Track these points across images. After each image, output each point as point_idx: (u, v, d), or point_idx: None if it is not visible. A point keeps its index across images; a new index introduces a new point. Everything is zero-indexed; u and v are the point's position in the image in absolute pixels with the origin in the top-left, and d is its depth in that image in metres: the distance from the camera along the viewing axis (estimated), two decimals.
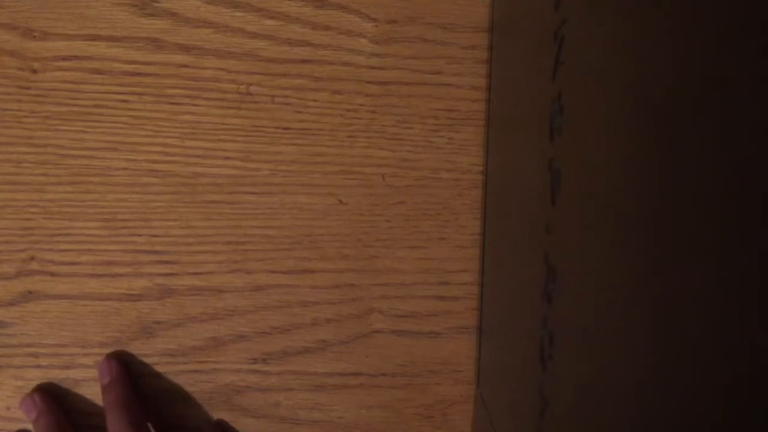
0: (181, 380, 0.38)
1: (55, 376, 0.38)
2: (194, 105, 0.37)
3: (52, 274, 0.37)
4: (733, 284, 0.13)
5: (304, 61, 0.37)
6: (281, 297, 0.38)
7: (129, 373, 0.37)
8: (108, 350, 0.38)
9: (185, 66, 0.37)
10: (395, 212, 0.38)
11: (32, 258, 0.37)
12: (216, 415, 0.39)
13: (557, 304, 0.24)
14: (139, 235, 0.37)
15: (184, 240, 0.38)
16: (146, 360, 0.38)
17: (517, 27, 0.32)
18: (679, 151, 0.16)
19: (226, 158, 0.37)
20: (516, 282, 0.31)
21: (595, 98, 0.21)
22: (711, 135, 0.14)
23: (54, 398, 0.37)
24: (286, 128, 0.38)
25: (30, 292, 0.37)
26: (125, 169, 0.37)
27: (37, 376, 0.38)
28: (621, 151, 0.19)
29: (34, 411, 0.36)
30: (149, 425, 0.37)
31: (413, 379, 0.39)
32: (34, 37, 0.36)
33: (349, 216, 0.38)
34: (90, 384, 0.38)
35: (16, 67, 0.36)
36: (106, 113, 0.37)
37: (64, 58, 0.36)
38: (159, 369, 0.38)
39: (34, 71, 0.36)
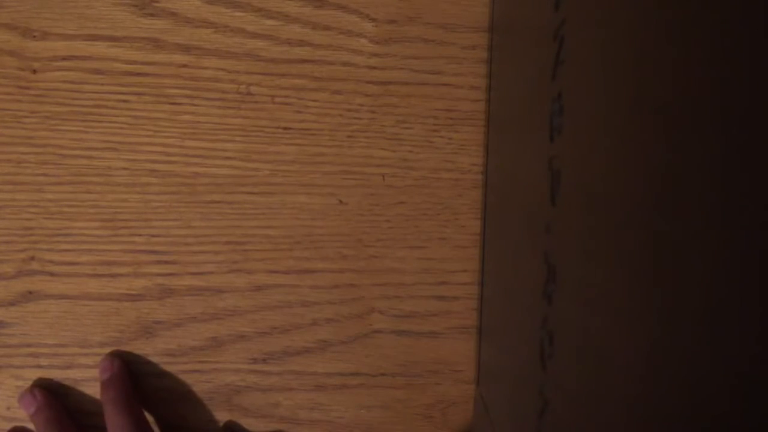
0: (181, 380, 0.38)
1: (55, 376, 0.38)
2: (194, 105, 0.37)
3: (52, 274, 0.37)
4: (734, 284, 0.13)
5: (304, 61, 0.37)
6: (281, 297, 0.38)
7: (129, 372, 0.37)
8: (108, 350, 0.38)
9: (185, 66, 0.37)
10: (395, 212, 0.38)
11: (32, 258, 0.37)
12: (216, 415, 0.39)
13: (557, 304, 0.24)
14: (139, 235, 0.37)
15: (184, 240, 0.38)
16: (146, 360, 0.38)
17: (517, 27, 0.32)
18: (679, 150, 0.16)
19: (226, 158, 0.37)
20: (516, 282, 0.31)
21: (595, 98, 0.21)
22: (711, 135, 0.14)
23: (53, 393, 0.37)
24: (286, 128, 0.38)
25: (30, 292, 0.37)
26: (125, 169, 0.37)
27: (37, 376, 0.38)
28: (621, 151, 0.19)
29: (34, 405, 0.36)
30: (148, 423, 0.37)
31: (413, 379, 0.39)
32: (34, 37, 0.36)
33: (349, 216, 0.38)
34: (90, 384, 0.38)
35: (16, 67, 0.36)
36: (106, 113, 0.37)
37: (64, 58, 0.36)
38: (159, 369, 0.38)
39: (34, 71, 0.36)
